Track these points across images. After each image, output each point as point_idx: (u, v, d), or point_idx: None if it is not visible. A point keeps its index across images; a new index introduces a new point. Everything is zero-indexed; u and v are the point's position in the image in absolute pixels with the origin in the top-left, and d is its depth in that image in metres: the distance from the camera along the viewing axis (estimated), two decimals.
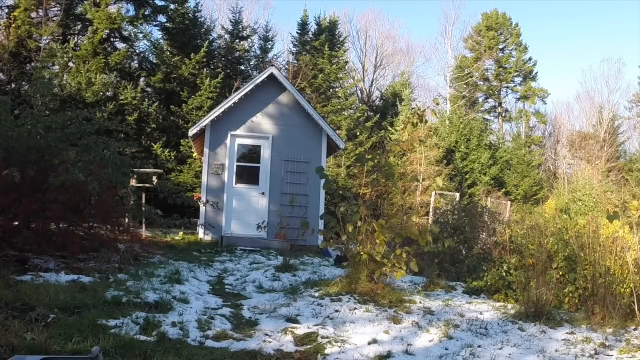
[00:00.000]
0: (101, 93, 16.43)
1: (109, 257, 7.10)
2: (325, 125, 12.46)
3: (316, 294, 6.02)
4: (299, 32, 24.20)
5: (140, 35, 18.92)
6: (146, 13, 18.70)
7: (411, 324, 5.06)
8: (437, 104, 29.54)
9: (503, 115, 37.26)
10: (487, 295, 7.24)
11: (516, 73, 35.99)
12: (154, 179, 10.76)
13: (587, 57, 57.96)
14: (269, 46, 23.17)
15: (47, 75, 16.42)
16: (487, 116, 36.74)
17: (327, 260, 10.09)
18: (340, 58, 23.47)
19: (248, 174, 12.18)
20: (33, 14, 17.20)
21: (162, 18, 19.93)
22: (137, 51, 19.70)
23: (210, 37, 20.99)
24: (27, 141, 6.51)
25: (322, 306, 5.47)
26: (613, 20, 54.89)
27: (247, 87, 12.07)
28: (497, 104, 37.45)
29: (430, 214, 13.58)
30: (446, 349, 4.42)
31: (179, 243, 11.19)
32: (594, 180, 23.65)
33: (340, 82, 24.44)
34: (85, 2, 17.91)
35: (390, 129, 24.50)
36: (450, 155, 25.45)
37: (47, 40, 17.26)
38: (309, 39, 23.68)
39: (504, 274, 7.26)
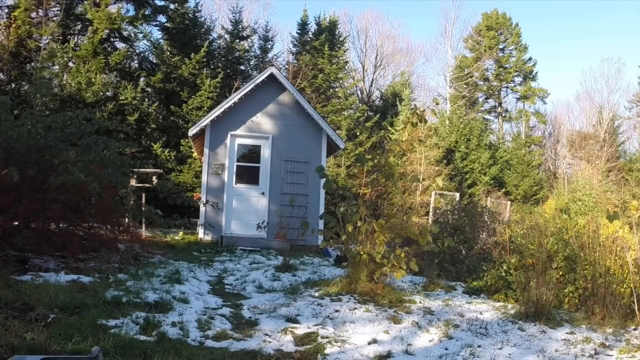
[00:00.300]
0: (101, 93, 16.43)
1: (109, 257, 7.10)
2: (325, 125, 12.46)
3: (316, 294, 6.02)
4: (299, 32, 24.21)
5: (140, 35, 18.95)
6: (146, 13, 18.70)
7: (411, 324, 5.06)
8: (437, 103, 29.53)
9: (503, 115, 37.26)
10: (487, 295, 7.24)
11: (516, 73, 35.99)
12: (154, 179, 10.76)
13: (587, 57, 58.01)
14: (269, 46, 23.20)
15: (47, 75, 16.42)
16: (487, 116, 36.76)
17: (327, 260, 10.09)
18: (340, 58, 23.47)
19: (248, 174, 12.18)
20: (33, 14, 17.21)
21: (162, 18, 19.95)
22: (137, 51, 19.72)
23: (210, 37, 20.99)
24: (27, 141, 6.51)
25: (322, 306, 5.47)
26: (613, 20, 54.93)
27: (247, 87, 12.07)
28: (497, 104, 37.45)
29: (430, 214, 13.59)
30: (446, 349, 4.42)
31: (179, 243, 11.19)
32: (594, 180, 23.65)
33: (340, 82, 24.44)
34: (85, 2, 17.91)
35: (390, 129, 24.50)
36: (450, 155, 25.45)
37: (47, 40, 17.26)
38: (309, 39, 23.69)
39: (504, 274, 7.26)
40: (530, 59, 35.91)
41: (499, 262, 7.73)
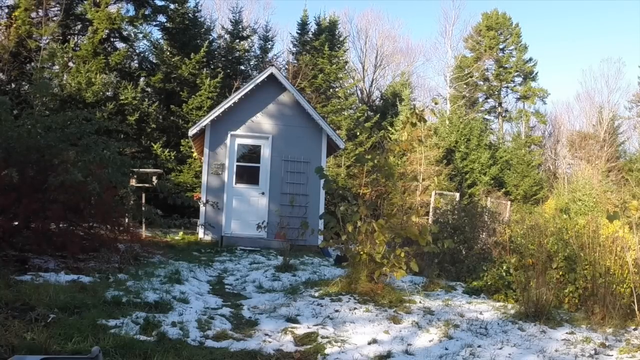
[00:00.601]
0: (101, 93, 16.43)
1: (109, 257, 7.10)
2: (325, 125, 12.46)
3: (316, 294, 6.02)
4: (299, 32, 24.21)
5: (140, 35, 18.94)
6: (146, 13, 18.70)
7: (411, 324, 5.06)
8: (436, 103, 29.47)
9: (503, 115, 37.27)
10: (487, 295, 7.24)
11: (516, 73, 36.00)
12: (154, 179, 10.76)
13: (587, 57, 58.02)
14: (269, 46, 23.21)
15: (47, 75, 16.42)
16: (487, 116, 36.76)
17: (327, 260, 10.09)
18: (340, 58, 23.48)
19: (248, 174, 12.18)
20: (33, 14, 17.21)
21: (162, 18, 19.94)
22: (137, 51, 19.71)
23: (210, 37, 21.00)
24: (27, 141, 6.51)
25: (322, 306, 5.47)
26: (613, 20, 54.94)
27: (247, 87, 12.07)
28: (497, 104, 37.46)
29: (430, 214, 13.58)
30: (446, 349, 4.42)
31: (179, 243, 11.19)
32: (594, 180, 23.66)
33: (340, 82, 24.45)
34: (85, 2, 17.92)
35: (390, 129, 24.51)
36: (450, 155, 25.46)
37: (47, 40, 17.26)
38: (309, 39, 23.69)
39: (504, 274, 7.26)
40: (530, 59, 35.97)
41: (499, 262, 7.73)
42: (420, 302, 6.01)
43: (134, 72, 18.82)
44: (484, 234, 9.82)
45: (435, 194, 15.52)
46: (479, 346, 4.48)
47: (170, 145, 17.29)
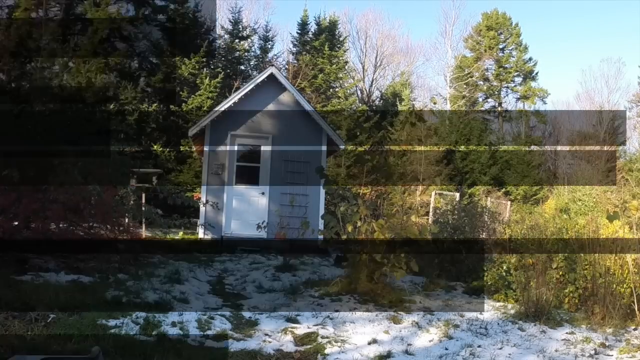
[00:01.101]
0: (101, 93, 16.42)
1: (109, 257, 7.10)
2: (325, 125, 12.45)
3: (316, 294, 6.02)
4: (299, 32, 24.24)
5: (140, 35, 18.94)
6: (146, 13, 18.71)
7: (411, 323, 5.06)
8: (435, 102, 29.43)
9: (503, 115, 37.25)
10: (487, 295, 7.24)
11: (516, 73, 35.98)
12: (154, 179, 10.76)
13: (587, 57, 57.90)
14: (269, 46, 23.26)
15: (47, 75, 16.42)
16: (487, 116, 36.73)
17: (327, 260, 10.09)
18: (340, 58, 23.49)
19: (248, 174, 12.17)
20: (33, 14, 17.20)
21: (162, 18, 19.94)
22: (137, 51, 19.71)
23: (210, 37, 21.00)
24: (27, 141, 6.51)
25: (322, 306, 5.47)
26: (613, 20, 54.85)
27: (247, 87, 12.07)
28: (497, 104, 37.44)
29: (430, 214, 13.58)
30: (446, 348, 4.42)
31: (179, 243, 11.18)
32: (594, 180, 23.65)
33: (340, 82, 24.45)
34: (85, 2, 17.92)
35: (390, 129, 24.50)
36: (450, 155, 25.45)
37: (47, 41, 17.25)
38: (309, 39, 23.71)
39: (504, 274, 7.24)
40: (530, 59, 35.92)
41: (499, 262, 7.71)
42: (420, 302, 6.01)
43: (134, 72, 18.83)
44: (484, 234, 9.81)
45: (435, 194, 15.52)
46: (479, 346, 4.48)
47: (170, 145, 17.29)
